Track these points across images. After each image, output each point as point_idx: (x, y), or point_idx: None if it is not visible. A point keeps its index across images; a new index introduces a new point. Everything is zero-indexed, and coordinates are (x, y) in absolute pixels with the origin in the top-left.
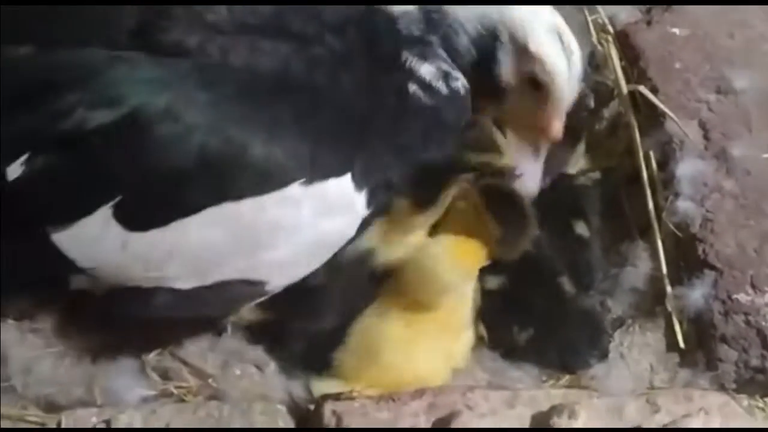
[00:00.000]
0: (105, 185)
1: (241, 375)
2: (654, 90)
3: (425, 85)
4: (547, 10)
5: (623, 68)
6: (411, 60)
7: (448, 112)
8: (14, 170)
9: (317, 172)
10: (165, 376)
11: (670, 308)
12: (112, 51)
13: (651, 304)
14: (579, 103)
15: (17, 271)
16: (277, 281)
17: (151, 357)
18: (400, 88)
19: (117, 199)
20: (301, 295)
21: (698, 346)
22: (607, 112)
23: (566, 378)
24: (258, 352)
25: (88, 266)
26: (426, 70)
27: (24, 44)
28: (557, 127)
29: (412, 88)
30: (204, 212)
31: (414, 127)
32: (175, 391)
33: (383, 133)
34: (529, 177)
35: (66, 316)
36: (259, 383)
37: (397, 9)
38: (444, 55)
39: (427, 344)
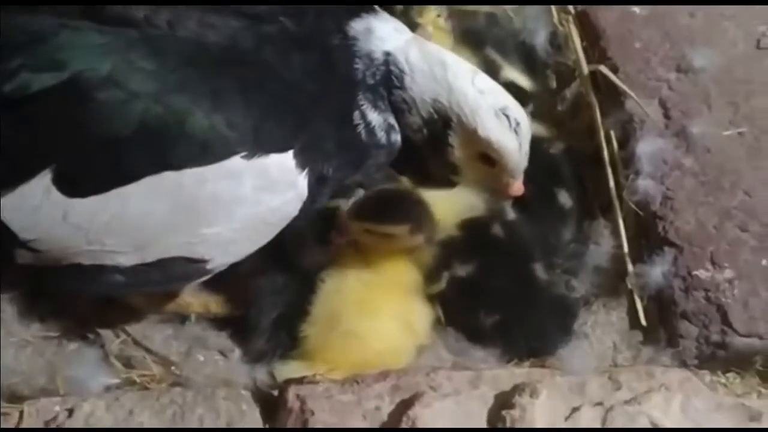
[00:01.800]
0: (45, 149)
1: (205, 361)
2: (614, 69)
3: (369, 129)
4: (494, 89)
5: (584, 48)
6: (364, 103)
7: (378, 157)
8: None
9: (260, 146)
10: (128, 364)
11: (631, 286)
12: (60, 19)
13: (614, 282)
14: None
15: None
16: (219, 259)
17: (114, 345)
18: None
19: (57, 165)
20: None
21: (660, 323)
22: (568, 93)
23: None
24: (222, 339)
25: (29, 238)
26: (374, 117)
27: None
28: (517, 186)
29: (358, 121)
30: (144, 181)
31: (356, 139)
32: (138, 380)
33: (327, 120)
34: None
35: (27, 305)
36: (224, 369)
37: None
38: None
39: (387, 310)
